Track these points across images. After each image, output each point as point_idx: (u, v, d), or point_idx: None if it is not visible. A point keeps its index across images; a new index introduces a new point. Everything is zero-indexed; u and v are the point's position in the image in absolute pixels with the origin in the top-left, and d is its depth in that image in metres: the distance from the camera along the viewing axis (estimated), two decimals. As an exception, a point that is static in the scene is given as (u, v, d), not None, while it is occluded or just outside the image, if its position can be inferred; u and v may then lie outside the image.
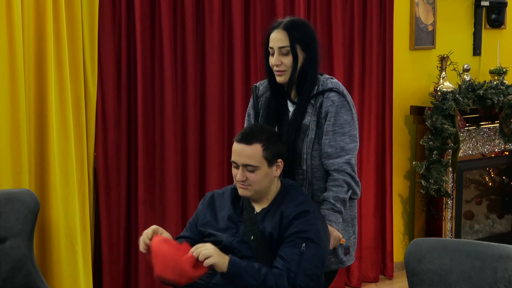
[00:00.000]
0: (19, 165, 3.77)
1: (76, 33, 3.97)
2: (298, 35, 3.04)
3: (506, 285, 2.68)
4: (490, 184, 6.23)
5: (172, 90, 4.36)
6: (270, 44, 3.06)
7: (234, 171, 2.87)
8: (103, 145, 4.21)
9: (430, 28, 5.74)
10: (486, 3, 6.01)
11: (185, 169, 4.49)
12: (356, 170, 3.07)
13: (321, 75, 3.14)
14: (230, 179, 4.40)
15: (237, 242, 2.81)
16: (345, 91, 3.10)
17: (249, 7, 4.65)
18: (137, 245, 4.29)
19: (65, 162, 3.93)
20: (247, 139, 2.84)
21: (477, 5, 6.03)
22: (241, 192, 2.86)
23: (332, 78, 3.12)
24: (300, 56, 3.05)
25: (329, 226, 2.94)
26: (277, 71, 3.05)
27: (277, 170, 2.87)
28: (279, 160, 2.87)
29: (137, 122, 4.28)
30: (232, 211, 2.91)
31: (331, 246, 2.97)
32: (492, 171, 6.21)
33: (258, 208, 2.89)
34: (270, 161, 2.84)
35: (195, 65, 4.47)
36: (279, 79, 3.07)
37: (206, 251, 2.66)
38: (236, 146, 2.85)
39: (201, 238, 2.94)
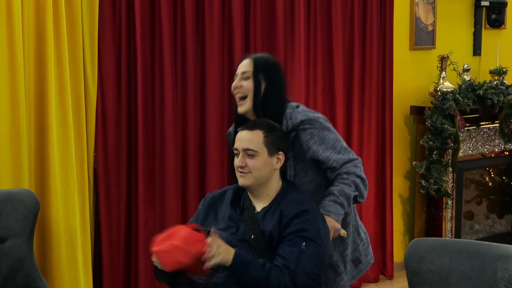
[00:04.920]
0: (19, 165, 3.77)
1: (76, 33, 3.97)
2: (264, 66, 3.07)
3: (506, 285, 2.68)
4: (490, 184, 6.23)
5: (172, 90, 4.36)
6: (237, 71, 3.11)
7: (235, 160, 2.89)
8: (103, 145, 4.21)
9: (430, 28, 5.74)
10: (486, 3, 6.01)
11: (185, 169, 4.49)
12: (363, 172, 3.09)
13: (288, 102, 3.11)
14: (230, 179, 4.40)
15: (237, 241, 2.82)
16: (315, 115, 3.08)
17: (249, 7, 4.65)
18: (137, 245, 4.32)
19: (65, 162, 3.93)
20: (249, 126, 2.90)
21: (477, 5, 6.03)
22: (241, 181, 2.88)
23: (297, 107, 3.08)
24: (262, 84, 3.04)
25: (327, 217, 2.94)
26: (237, 94, 3.07)
27: (277, 163, 2.89)
28: (280, 152, 2.89)
29: (137, 122, 4.28)
30: (233, 211, 2.91)
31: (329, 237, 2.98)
32: (492, 171, 6.21)
33: (258, 207, 2.90)
34: (271, 150, 2.86)
35: (195, 65, 4.47)
36: (240, 109, 3.07)
37: (209, 254, 2.69)
38: (239, 134, 2.90)
39: None
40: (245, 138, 2.86)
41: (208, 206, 2.99)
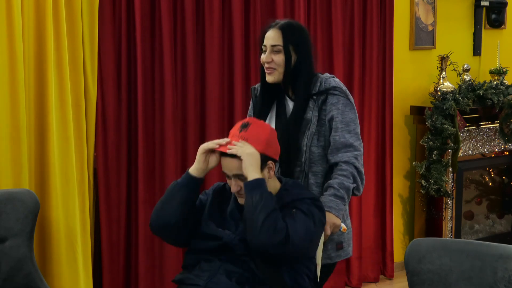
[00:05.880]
0: (19, 165, 3.77)
1: (76, 33, 3.97)
2: (292, 36, 3.08)
3: (506, 285, 2.68)
4: (490, 184, 6.23)
5: (172, 90, 4.37)
6: (264, 42, 3.11)
7: (228, 181, 2.87)
8: (103, 145, 4.21)
9: (430, 28, 5.74)
10: (486, 3, 6.01)
11: (185, 169, 4.44)
12: (363, 167, 3.10)
13: (322, 74, 3.18)
14: (230, 179, 4.40)
15: (238, 240, 2.81)
16: (347, 91, 3.16)
17: (249, 7, 4.65)
18: (137, 245, 4.32)
19: (65, 162, 3.93)
20: (232, 154, 2.82)
21: (477, 5, 6.03)
22: (240, 201, 2.86)
23: (333, 77, 3.17)
24: (293, 56, 3.08)
25: (327, 213, 2.94)
26: (267, 68, 3.09)
27: (269, 172, 2.87)
28: (269, 162, 2.86)
29: (137, 122, 4.28)
30: (234, 208, 2.90)
31: (328, 232, 2.98)
32: (492, 171, 6.21)
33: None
34: (260, 166, 2.82)
35: (195, 65, 4.47)
36: (268, 78, 3.10)
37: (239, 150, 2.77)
38: (223, 160, 2.85)
39: (198, 225, 2.92)
40: (232, 166, 2.81)
41: (215, 195, 2.97)
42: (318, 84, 3.11)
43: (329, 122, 3.09)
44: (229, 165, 2.82)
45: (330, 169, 3.10)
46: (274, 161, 2.89)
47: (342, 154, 3.05)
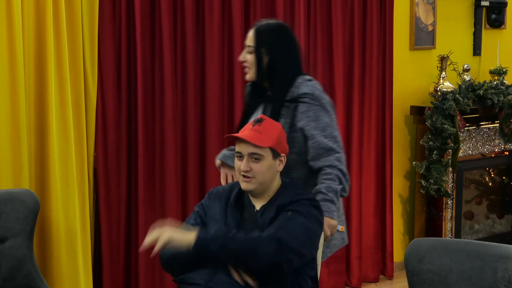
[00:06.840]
0: (19, 165, 3.77)
1: (76, 33, 3.97)
2: (266, 38, 3.14)
3: (506, 285, 2.68)
4: (490, 184, 6.23)
5: (172, 90, 4.37)
6: (245, 42, 3.22)
7: (237, 163, 2.86)
8: (103, 145, 4.21)
9: (430, 28, 5.74)
10: (486, 3, 6.01)
11: (185, 169, 4.49)
12: (346, 168, 3.14)
13: (303, 75, 3.18)
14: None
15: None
16: (321, 94, 3.15)
17: (249, 7, 4.66)
18: (137, 245, 4.32)
19: (65, 162, 3.93)
20: None
21: (477, 5, 6.03)
22: (244, 186, 2.85)
23: (309, 80, 3.16)
24: (265, 58, 3.13)
25: None
26: (244, 67, 3.19)
27: (280, 165, 2.88)
28: (283, 154, 2.88)
29: (137, 122, 4.28)
30: (234, 210, 2.89)
31: (328, 233, 3.03)
32: (492, 171, 6.21)
33: (258, 205, 2.88)
34: (275, 153, 2.85)
35: (195, 65, 4.47)
36: (247, 76, 3.20)
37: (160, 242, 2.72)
38: (238, 143, 2.86)
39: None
40: (248, 146, 2.81)
41: (214, 200, 2.97)
42: (292, 90, 3.12)
43: (300, 130, 3.11)
44: (244, 146, 2.82)
45: (314, 174, 3.13)
46: (286, 154, 2.92)
47: (325, 159, 3.09)
